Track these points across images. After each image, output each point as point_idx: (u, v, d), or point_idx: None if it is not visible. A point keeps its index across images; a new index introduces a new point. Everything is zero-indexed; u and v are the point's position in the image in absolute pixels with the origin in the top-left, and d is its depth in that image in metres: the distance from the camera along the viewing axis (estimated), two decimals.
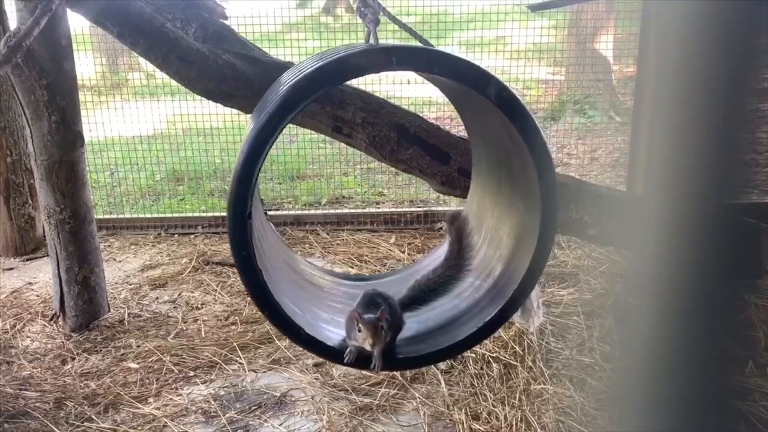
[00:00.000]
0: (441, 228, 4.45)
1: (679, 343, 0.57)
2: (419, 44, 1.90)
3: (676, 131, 0.55)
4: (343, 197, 5.14)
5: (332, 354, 1.65)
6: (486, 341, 3.09)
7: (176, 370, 2.98)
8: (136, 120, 5.42)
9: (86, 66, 5.38)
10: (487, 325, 1.68)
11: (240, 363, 3.04)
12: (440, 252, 2.01)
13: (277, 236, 2.28)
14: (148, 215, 4.72)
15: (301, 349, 1.86)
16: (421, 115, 2.64)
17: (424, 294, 1.83)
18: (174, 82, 2.63)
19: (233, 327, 3.34)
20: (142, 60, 3.06)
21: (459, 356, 3.01)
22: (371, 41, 1.61)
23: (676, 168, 0.56)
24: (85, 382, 2.91)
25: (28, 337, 3.31)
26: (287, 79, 1.62)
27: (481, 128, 1.92)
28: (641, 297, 0.60)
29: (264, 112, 1.51)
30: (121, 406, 2.76)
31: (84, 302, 3.31)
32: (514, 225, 1.77)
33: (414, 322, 1.79)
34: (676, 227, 0.56)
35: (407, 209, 4.75)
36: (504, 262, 1.77)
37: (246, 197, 1.50)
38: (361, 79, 4.75)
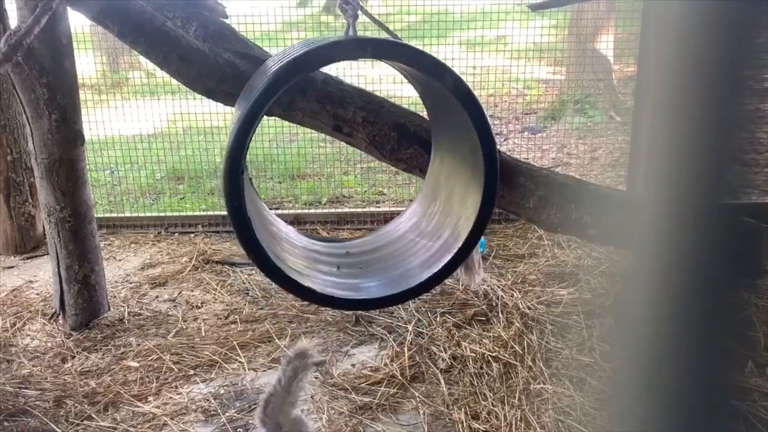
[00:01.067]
0: None
1: (679, 343, 0.57)
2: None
3: (675, 131, 0.55)
4: (344, 196, 5.15)
5: (308, 293, 1.93)
6: (486, 341, 3.10)
7: (176, 369, 2.98)
8: (137, 119, 5.42)
9: (87, 65, 5.38)
10: (437, 275, 2.04)
11: (240, 362, 3.04)
12: (404, 218, 2.37)
13: (258, 199, 2.62)
14: (149, 214, 4.72)
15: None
16: (421, 114, 2.64)
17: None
18: (174, 81, 2.63)
19: (233, 326, 3.34)
20: (142, 59, 3.06)
21: (459, 355, 3.01)
22: (350, 33, 1.87)
23: (676, 167, 0.56)
24: (85, 380, 2.91)
25: (27, 335, 3.31)
26: (275, 62, 1.87)
27: (443, 113, 2.18)
28: (640, 297, 0.60)
29: (256, 88, 1.75)
30: (120, 405, 2.76)
31: (84, 301, 3.32)
32: (461, 194, 2.07)
33: (379, 276, 2.13)
34: (675, 227, 0.56)
35: None
36: (452, 226, 2.08)
37: (240, 158, 1.75)
38: (361, 79, 4.75)
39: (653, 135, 0.58)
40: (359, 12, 1.95)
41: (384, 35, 2.23)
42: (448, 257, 2.01)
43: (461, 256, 2.01)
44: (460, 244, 1.99)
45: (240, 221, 1.79)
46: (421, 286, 2.03)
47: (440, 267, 2.01)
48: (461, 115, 1.90)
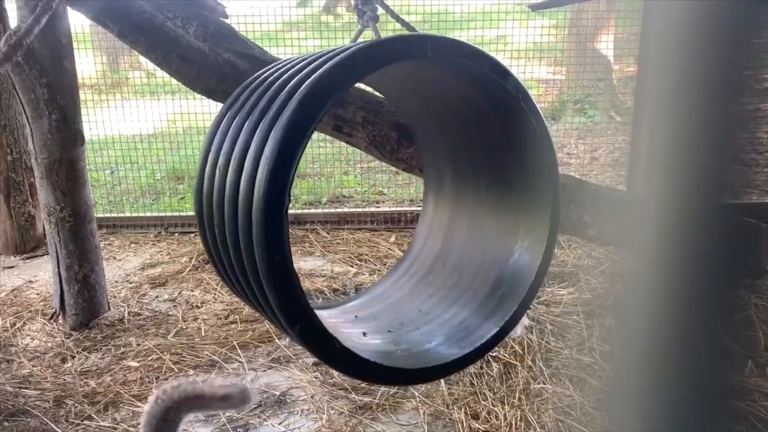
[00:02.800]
0: None
1: (678, 343, 0.57)
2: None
3: (675, 130, 0.55)
4: (344, 196, 5.15)
5: (363, 367, 1.42)
6: None
7: (176, 369, 2.99)
8: (137, 118, 5.42)
9: (87, 64, 5.38)
10: (509, 322, 1.64)
11: (240, 362, 3.04)
12: (405, 265, 1.95)
13: None
14: (149, 214, 4.73)
15: (312, 356, 1.64)
16: None
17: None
18: (174, 81, 2.63)
19: (233, 326, 3.34)
20: (142, 58, 3.06)
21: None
22: (359, 39, 1.56)
23: (676, 167, 0.56)
24: (85, 380, 2.91)
25: (28, 335, 3.31)
26: (290, 66, 1.47)
27: (452, 137, 1.86)
28: (640, 296, 0.60)
29: (300, 91, 1.31)
30: (120, 405, 2.76)
31: (84, 301, 3.32)
32: (505, 224, 1.75)
33: (429, 333, 1.70)
34: (676, 227, 0.56)
35: (407, 208, 4.75)
36: (501, 262, 1.75)
37: (284, 190, 1.27)
38: None
39: (653, 134, 0.58)
40: (379, 13, 1.62)
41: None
42: (519, 296, 1.64)
43: (532, 293, 1.65)
44: (531, 278, 1.62)
45: (282, 281, 1.27)
46: (497, 336, 1.63)
47: (513, 310, 1.63)
48: (499, 127, 1.63)
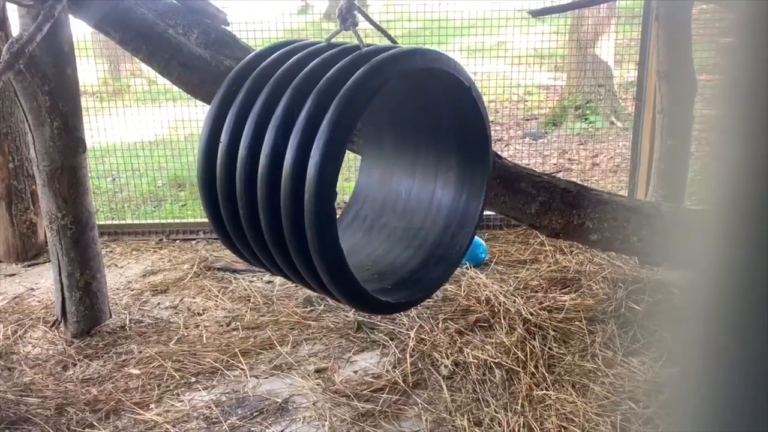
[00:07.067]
0: None
1: (743, 349, 0.55)
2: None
3: (741, 136, 0.53)
4: (345, 203, 5.15)
5: (389, 307, 1.73)
6: (488, 347, 3.09)
7: (178, 376, 2.98)
8: (138, 126, 5.43)
9: (88, 72, 5.40)
10: (461, 255, 1.94)
11: (242, 369, 3.03)
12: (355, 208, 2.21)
13: None
14: (150, 221, 4.72)
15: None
16: None
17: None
18: (176, 88, 2.64)
19: (235, 333, 3.34)
20: (144, 66, 3.07)
21: (461, 362, 3.00)
22: (359, 43, 1.70)
23: (742, 176, 0.53)
24: (87, 388, 2.90)
25: (29, 343, 3.31)
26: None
27: (403, 112, 2.09)
28: (699, 307, 0.58)
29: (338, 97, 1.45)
30: (122, 412, 2.75)
31: (85, 308, 3.31)
32: (448, 178, 2.04)
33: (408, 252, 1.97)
34: (740, 236, 0.54)
35: None
36: (446, 207, 2.03)
37: (334, 183, 1.42)
38: None
39: (717, 143, 0.56)
40: (357, 19, 1.85)
41: (386, 43, 2.14)
42: (467, 233, 1.94)
43: (476, 229, 1.97)
44: (476, 218, 1.93)
45: (333, 258, 1.48)
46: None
47: (465, 244, 1.91)
48: (456, 109, 1.90)
